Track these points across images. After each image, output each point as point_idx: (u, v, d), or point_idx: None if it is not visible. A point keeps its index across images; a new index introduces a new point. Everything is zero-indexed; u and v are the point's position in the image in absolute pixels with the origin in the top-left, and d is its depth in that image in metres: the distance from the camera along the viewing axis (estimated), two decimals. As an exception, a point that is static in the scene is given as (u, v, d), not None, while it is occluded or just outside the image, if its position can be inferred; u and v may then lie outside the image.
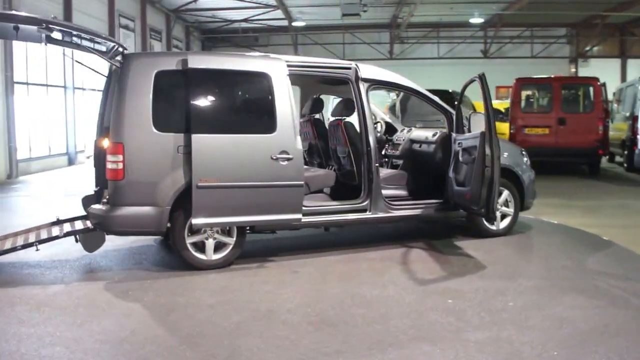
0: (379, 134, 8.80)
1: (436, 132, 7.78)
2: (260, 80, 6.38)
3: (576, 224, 8.54)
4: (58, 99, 18.85)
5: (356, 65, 7.02)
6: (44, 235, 6.42)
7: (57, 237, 6.32)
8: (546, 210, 9.71)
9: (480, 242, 7.36)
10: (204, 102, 6.19)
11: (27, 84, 16.92)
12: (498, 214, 7.60)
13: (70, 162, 19.34)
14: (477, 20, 29.35)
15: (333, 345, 4.27)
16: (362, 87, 6.94)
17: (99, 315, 4.97)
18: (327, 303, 5.18)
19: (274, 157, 6.20)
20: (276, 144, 6.24)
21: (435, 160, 7.57)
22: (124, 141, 5.90)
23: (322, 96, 8.64)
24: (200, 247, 6.24)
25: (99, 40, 6.36)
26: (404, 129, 8.66)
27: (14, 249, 6.19)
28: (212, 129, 6.09)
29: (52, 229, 6.72)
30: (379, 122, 9.04)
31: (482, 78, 6.61)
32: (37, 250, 6.32)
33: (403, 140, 8.30)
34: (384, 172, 7.65)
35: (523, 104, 14.93)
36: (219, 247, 6.31)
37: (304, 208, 6.53)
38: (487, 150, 6.47)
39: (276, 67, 6.41)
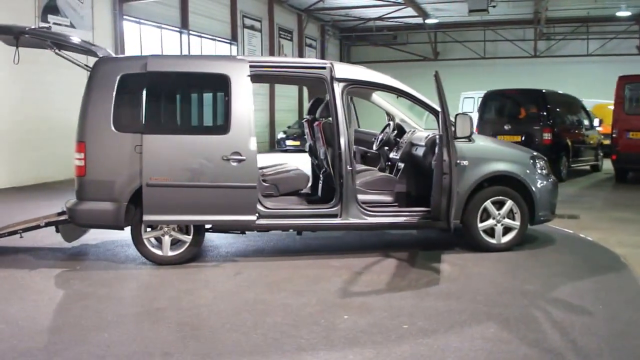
0: (382, 136, 8.33)
1: (428, 135, 7.21)
2: (218, 82, 6.37)
3: (618, 242, 7.44)
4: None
5: (331, 64, 6.71)
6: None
7: (38, 227, 6.80)
8: (599, 224, 8.64)
9: (473, 256, 6.68)
10: (158, 103, 6.37)
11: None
12: (500, 227, 6.87)
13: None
14: (624, 13, 26.61)
15: (167, 347, 4.18)
16: (337, 87, 6.62)
17: (18, 299, 5.29)
18: (224, 307, 5.05)
19: (225, 158, 6.15)
20: (229, 144, 6.19)
21: (425, 165, 7.02)
22: (86, 140, 6.23)
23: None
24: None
25: (73, 46, 6.70)
26: (410, 131, 8.11)
27: (0, 235, 6.77)
28: (164, 129, 6.26)
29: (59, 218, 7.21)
30: (389, 123, 8.56)
31: (436, 77, 6.03)
32: (21, 237, 6.84)
33: (405, 142, 7.78)
34: (368, 176, 7.24)
35: (627, 105, 13.29)
36: (178, 244, 6.41)
37: (265, 210, 6.42)
38: (445, 156, 5.87)
39: (236, 69, 6.34)
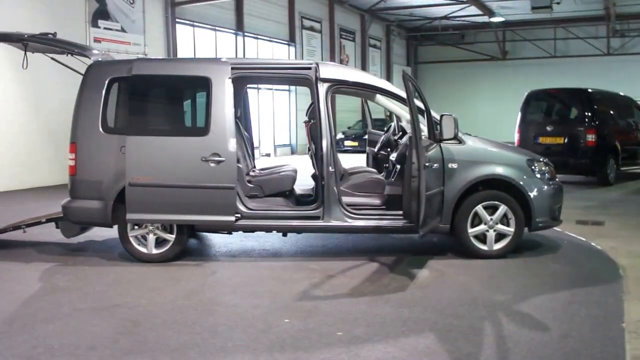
0: (382, 138, 8.17)
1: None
2: (200, 85, 6.49)
3: (628, 252, 6.98)
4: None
5: (316, 64, 6.66)
6: None
7: (40, 222, 7.15)
8: (620, 232, 8.23)
9: (461, 263, 6.47)
10: (142, 106, 6.56)
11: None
12: (492, 233, 6.62)
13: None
14: None
15: (97, 342, 4.30)
16: (321, 87, 6.57)
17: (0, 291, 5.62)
18: (176, 305, 5.12)
19: (204, 159, 6.26)
20: (208, 146, 6.30)
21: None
22: (77, 141, 6.52)
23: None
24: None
25: (71, 51, 6.97)
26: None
27: (4, 230, 7.15)
28: (147, 131, 6.43)
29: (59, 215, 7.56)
30: (391, 124, 8.37)
31: (404, 77, 5.85)
32: (24, 232, 7.21)
33: (402, 144, 7.59)
34: (360, 178, 7.13)
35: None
36: (163, 243, 6.56)
37: (247, 211, 6.47)
38: (414, 159, 5.71)
39: (217, 71, 6.44)
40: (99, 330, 4.59)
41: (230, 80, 6.41)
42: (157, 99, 6.67)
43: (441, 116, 6.39)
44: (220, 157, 6.27)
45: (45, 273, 6.24)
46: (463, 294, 5.42)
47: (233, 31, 20.36)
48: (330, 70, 6.69)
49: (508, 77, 30.99)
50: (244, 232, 6.91)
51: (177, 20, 17.43)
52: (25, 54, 7.11)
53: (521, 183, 6.64)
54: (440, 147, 6.54)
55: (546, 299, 5.26)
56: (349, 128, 25.94)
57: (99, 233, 7.72)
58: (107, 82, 6.52)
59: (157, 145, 6.36)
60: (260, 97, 21.18)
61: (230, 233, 7.03)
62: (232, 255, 6.95)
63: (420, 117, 8.06)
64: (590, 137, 12.64)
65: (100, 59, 6.77)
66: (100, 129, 6.47)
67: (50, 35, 7.06)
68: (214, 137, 6.31)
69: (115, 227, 6.59)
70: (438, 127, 6.55)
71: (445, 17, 29.69)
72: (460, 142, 6.65)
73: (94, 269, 6.35)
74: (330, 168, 6.49)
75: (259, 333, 4.48)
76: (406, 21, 31.86)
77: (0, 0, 12.12)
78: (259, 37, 21.69)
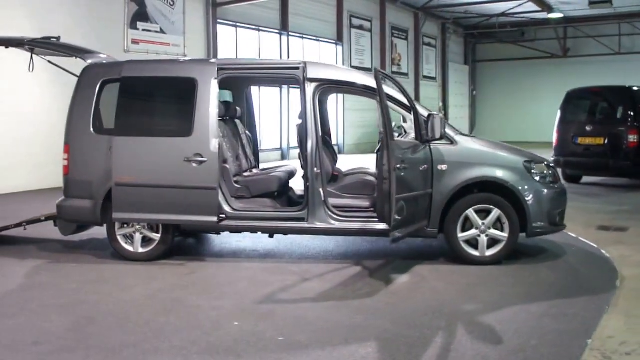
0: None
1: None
2: (186, 86, 6.48)
3: (638, 262, 6.56)
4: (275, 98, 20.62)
5: (304, 64, 6.53)
6: None
7: (39, 220, 7.34)
8: None
9: (448, 269, 6.19)
10: (130, 107, 6.61)
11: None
12: (484, 238, 6.33)
13: (283, 157, 21.09)
14: None
15: (45, 338, 4.38)
16: (309, 87, 6.45)
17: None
18: (137, 304, 5.16)
19: (187, 159, 6.26)
20: (191, 146, 6.31)
21: None
22: (70, 142, 6.68)
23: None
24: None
25: (69, 54, 7.09)
26: (408, 133, 7.60)
27: (7, 228, 7.39)
28: (133, 131, 6.50)
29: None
30: (401, 125, 8.10)
31: (376, 75, 5.64)
32: (25, 229, 7.41)
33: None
34: (349, 179, 6.95)
35: None
36: (149, 242, 6.61)
37: (232, 212, 6.44)
38: (385, 160, 5.50)
39: (203, 72, 6.44)
40: (51, 326, 4.66)
41: (217, 81, 6.39)
42: (145, 100, 6.73)
43: (428, 116, 6.15)
44: (202, 157, 6.27)
45: (34, 269, 6.39)
46: (432, 301, 5.19)
47: (277, 31, 20.38)
48: (318, 70, 6.56)
49: (570, 76, 29.66)
50: (231, 232, 6.88)
51: (219, 21, 17.59)
52: (31, 57, 7.33)
53: (516, 186, 6.31)
54: (430, 147, 6.30)
55: (518, 310, 4.96)
56: (397, 127, 25.57)
57: (101, 231, 7.81)
58: (99, 84, 6.64)
59: (142, 145, 6.43)
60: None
61: (218, 233, 7.01)
62: (219, 256, 6.93)
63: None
64: (633, 138, 11.92)
65: (94, 61, 6.87)
66: (92, 130, 6.59)
67: (53, 40, 7.24)
68: (197, 138, 6.31)
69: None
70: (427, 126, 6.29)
71: (503, 14, 28.76)
72: (452, 142, 6.39)
73: (81, 267, 6.45)
74: (315, 169, 6.36)
75: (202, 335, 4.43)
76: (463, 19, 31.10)
77: (40, 3, 12.54)
78: (304, 36, 21.63)
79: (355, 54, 24.49)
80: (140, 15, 15.06)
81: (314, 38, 22.25)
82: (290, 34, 20.76)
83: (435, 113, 6.18)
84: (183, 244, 7.51)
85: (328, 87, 6.62)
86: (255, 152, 8.34)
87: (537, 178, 6.44)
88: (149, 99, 6.75)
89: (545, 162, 6.71)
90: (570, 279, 5.97)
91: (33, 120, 12.43)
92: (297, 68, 6.52)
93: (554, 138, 13.26)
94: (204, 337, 4.39)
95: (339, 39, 23.45)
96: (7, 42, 7.16)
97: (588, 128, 12.62)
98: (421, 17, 28.88)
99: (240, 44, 18.96)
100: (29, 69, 7.29)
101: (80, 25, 13.22)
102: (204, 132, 6.31)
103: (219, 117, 7.00)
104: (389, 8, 26.26)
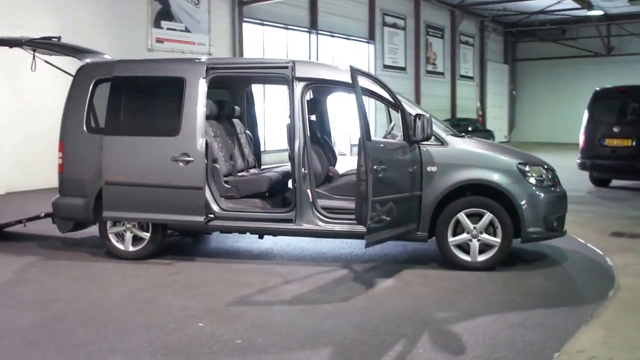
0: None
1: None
2: (174, 85, 6.48)
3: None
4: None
5: (293, 63, 6.44)
6: None
7: (38, 217, 7.47)
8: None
9: (437, 274, 6.03)
10: (120, 106, 6.64)
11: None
12: (475, 243, 6.13)
13: None
14: None
15: (4, 334, 4.41)
16: (297, 87, 6.36)
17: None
18: (109, 303, 5.17)
19: (174, 159, 6.26)
20: (178, 146, 6.31)
21: None
22: (64, 140, 6.77)
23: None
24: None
25: (68, 54, 7.17)
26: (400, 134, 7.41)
27: (7, 225, 7.54)
28: (123, 130, 6.55)
29: None
30: (392, 124, 7.93)
31: (352, 72, 5.51)
32: (25, 226, 7.54)
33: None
34: (341, 180, 6.83)
35: None
36: (139, 240, 6.64)
37: (221, 212, 6.41)
38: (361, 161, 5.37)
39: (191, 71, 6.43)
40: (21, 322, 4.70)
41: (205, 80, 6.37)
42: (134, 99, 6.74)
43: (415, 116, 5.98)
44: (189, 157, 6.25)
45: (26, 265, 6.48)
46: (407, 308, 5.04)
47: (306, 29, 20.34)
48: (307, 69, 6.47)
49: (613, 75, 28.74)
50: (221, 232, 6.85)
51: (245, 19, 17.65)
52: (34, 57, 7.44)
53: (509, 189, 6.09)
54: (419, 148, 6.13)
55: (494, 319, 4.77)
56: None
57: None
58: (92, 83, 6.71)
59: (131, 145, 6.46)
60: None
61: (209, 233, 6.99)
62: (210, 256, 6.91)
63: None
64: (662, 140, 11.46)
65: (90, 61, 6.92)
66: (85, 128, 6.66)
67: (54, 40, 7.33)
68: (184, 137, 6.30)
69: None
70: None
71: (542, 12, 28.10)
72: (442, 143, 6.22)
73: (71, 264, 6.51)
74: (303, 170, 6.28)
75: (162, 335, 4.41)
76: (502, 16, 30.50)
77: (61, 3, 12.78)
78: (334, 35, 21.53)
79: (387, 52, 24.28)
80: (164, 14, 15.22)
81: (345, 36, 22.13)
82: (319, 32, 20.69)
83: (422, 113, 6.01)
84: (180, 243, 7.53)
85: (317, 86, 6.52)
86: (257, 152, 8.30)
87: (533, 181, 6.21)
88: (138, 99, 6.77)
89: (545, 166, 6.46)
90: (560, 288, 5.73)
91: (56, 118, 12.66)
92: (286, 67, 6.44)
93: (581, 140, 12.83)
94: (163, 338, 4.36)
95: (370, 38, 23.28)
96: (6, 43, 7.28)
97: (616, 129, 12.16)
98: (458, 15, 28.43)
99: (267, 42, 18.98)
100: (31, 69, 7.39)
101: (102, 24, 13.44)
102: (191, 131, 6.29)
103: (212, 116, 7.01)
104: (423, 6, 25.95)
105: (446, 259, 6.22)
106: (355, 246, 7.12)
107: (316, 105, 7.60)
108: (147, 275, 6.04)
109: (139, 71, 6.75)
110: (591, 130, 12.60)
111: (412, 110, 6.17)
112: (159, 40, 15.00)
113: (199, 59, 6.67)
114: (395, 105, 6.18)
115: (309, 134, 6.39)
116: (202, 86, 6.35)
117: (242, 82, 7.82)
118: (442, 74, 28.31)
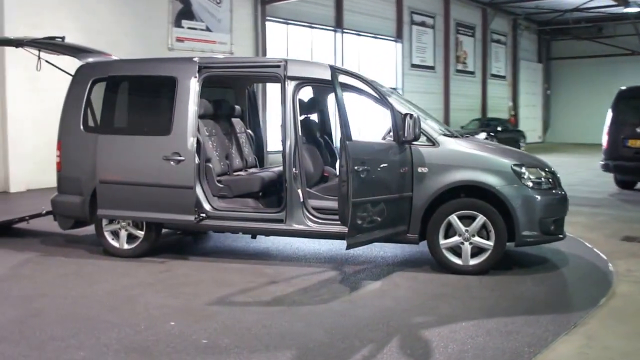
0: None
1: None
2: (167, 84, 6.50)
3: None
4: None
5: (285, 62, 6.39)
6: None
7: (40, 215, 7.60)
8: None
9: (428, 277, 5.91)
10: (114, 105, 6.73)
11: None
12: (467, 246, 6.00)
13: None
14: None
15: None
16: (289, 86, 6.31)
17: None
18: (88, 301, 5.22)
19: (166, 158, 6.29)
20: (170, 145, 6.34)
21: None
22: (62, 139, 6.88)
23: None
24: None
25: (70, 54, 7.25)
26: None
27: (11, 222, 7.69)
28: (116, 130, 6.63)
29: None
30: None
31: (332, 71, 5.43)
32: (28, 223, 7.68)
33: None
34: (335, 180, 6.74)
35: None
36: (134, 239, 6.69)
37: (213, 211, 6.42)
38: (343, 161, 5.29)
39: (183, 71, 6.44)
40: (1, 318, 4.76)
41: (197, 79, 6.37)
42: (128, 99, 6.82)
43: (403, 116, 5.87)
44: (180, 156, 6.27)
45: (23, 261, 6.59)
46: (385, 311, 4.95)
47: (332, 28, 20.26)
48: (299, 68, 6.41)
49: (652, 74, 28.06)
50: (214, 232, 6.86)
51: (268, 18, 17.66)
52: (39, 57, 7.55)
53: (502, 191, 5.93)
54: (410, 149, 6.02)
55: (471, 325, 4.64)
56: (461, 127, 24.90)
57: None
58: (90, 83, 6.79)
59: (125, 144, 6.52)
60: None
61: (204, 233, 6.99)
62: (205, 255, 6.89)
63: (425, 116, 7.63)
64: (686, 142, 11.06)
65: (89, 61, 6.99)
66: (82, 127, 6.74)
67: (58, 40, 7.43)
68: (175, 136, 6.33)
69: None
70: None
71: (577, 9, 27.46)
72: (434, 143, 6.09)
73: (67, 260, 6.60)
74: (294, 169, 6.23)
75: (131, 333, 4.43)
76: (535, 14, 29.91)
77: (81, 3, 12.99)
78: (360, 33, 21.40)
79: (415, 51, 24.05)
80: (185, 14, 15.34)
81: (371, 35, 21.98)
82: (345, 31, 20.58)
83: (410, 112, 5.88)
84: (178, 242, 7.57)
85: (308, 85, 6.46)
86: (260, 152, 8.28)
87: (529, 183, 6.03)
88: (132, 98, 6.84)
89: (546, 168, 6.28)
90: (551, 294, 5.55)
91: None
92: (278, 66, 6.40)
93: (604, 140, 12.48)
94: (131, 336, 4.37)
95: (398, 36, 23.09)
96: (10, 43, 7.41)
97: (638, 130, 11.78)
98: (489, 13, 27.99)
99: (291, 41, 18.96)
100: (37, 69, 7.50)
101: (123, 24, 13.62)
102: (182, 130, 6.30)
103: (208, 115, 7.02)
104: (453, 4, 25.63)
105: (438, 262, 6.10)
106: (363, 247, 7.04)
107: (316, 105, 7.55)
108: (136, 274, 6.08)
109: (133, 70, 6.82)
110: (614, 131, 12.26)
111: (402, 109, 6.06)
112: (179, 40, 15.13)
113: (193, 58, 6.67)
114: (385, 104, 6.07)
115: (300, 134, 6.34)
116: (194, 85, 6.36)
117: (242, 81, 7.81)
118: (473, 73, 27.92)
